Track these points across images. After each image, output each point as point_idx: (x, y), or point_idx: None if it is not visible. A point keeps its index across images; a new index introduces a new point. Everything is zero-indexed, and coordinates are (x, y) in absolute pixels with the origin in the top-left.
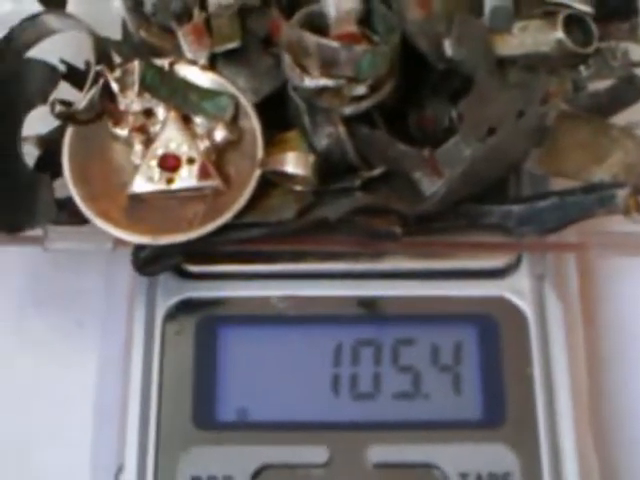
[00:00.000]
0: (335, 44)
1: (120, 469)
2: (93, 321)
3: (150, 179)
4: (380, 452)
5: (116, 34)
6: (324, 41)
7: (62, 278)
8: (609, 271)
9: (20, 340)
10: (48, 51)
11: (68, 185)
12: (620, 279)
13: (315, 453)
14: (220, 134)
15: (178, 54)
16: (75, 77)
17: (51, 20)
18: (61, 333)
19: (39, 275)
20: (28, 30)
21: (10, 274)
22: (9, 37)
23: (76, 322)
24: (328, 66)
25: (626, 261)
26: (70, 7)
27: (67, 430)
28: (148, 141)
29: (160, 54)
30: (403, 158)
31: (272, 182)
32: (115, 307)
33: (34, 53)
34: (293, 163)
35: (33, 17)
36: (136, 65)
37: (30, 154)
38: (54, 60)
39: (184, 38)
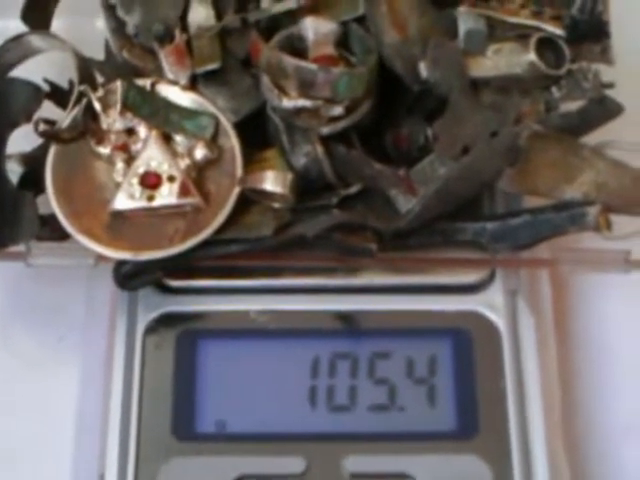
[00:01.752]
0: (313, 66)
1: (101, 479)
2: (74, 335)
3: (131, 196)
4: (356, 462)
5: (99, 53)
6: (302, 63)
7: (43, 293)
8: (581, 287)
9: (2, 353)
10: (31, 70)
11: (51, 202)
12: (592, 294)
13: (292, 463)
14: (200, 152)
15: (160, 74)
16: (58, 96)
17: (35, 40)
18: (43, 347)
19: (20, 290)
20: (12, 50)
21: None
22: None
23: (57, 336)
24: (306, 87)
25: (598, 277)
26: (53, 26)
27: (49, 441)
28: (130, 159)
29: (142, 74)
30: (379, 177)
31: (251, 199)
32: (96, 321)
33: (17, 72)
34: (272, 181)
35: (17, 37)
36: (118, 85)
37: (14, 171)
38: (37, 79)
39: (166, 59)
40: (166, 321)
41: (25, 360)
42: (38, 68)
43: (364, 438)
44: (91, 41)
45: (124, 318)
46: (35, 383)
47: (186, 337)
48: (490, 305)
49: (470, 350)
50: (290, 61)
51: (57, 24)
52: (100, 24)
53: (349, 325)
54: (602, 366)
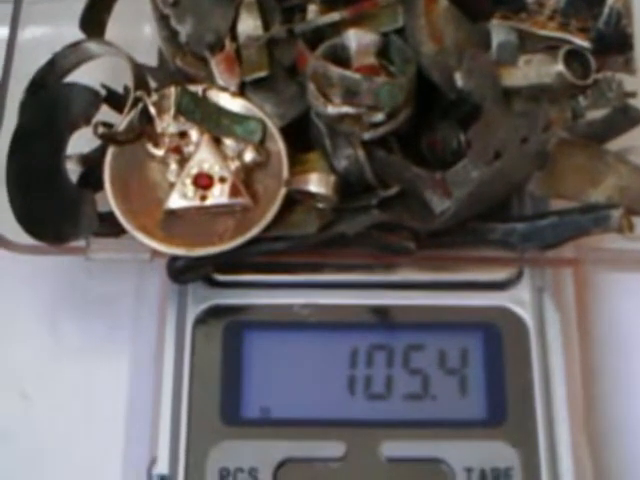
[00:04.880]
0: (357, 76)
1: (153, 462)
2: (124, 325)
3: (185, 196)
4: (392, 447)
5: (147, 57)
6: (347, 73)
7: (95, 285)
8: (604, 285)
9: (56, 343)
10: (82, 74)
11: (109, 201)
12: (614, 292)
13: (332, 448)
14: (249, 155)
15: (211, 81)
16: (115, 101)
17: (91, 47)
18: (94, 337)
19: (73, 283)
20: (70, 56)
21: (45, 281)
22: (52, 62)
23: (108, 326)
24: (350, 95)
25: (620, 276)
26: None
27: (101, 426)
28: (183, 161)
29: (194, 81)
30: (416, 179)
31: (296, 199)
32: (145, 313)
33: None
34: (316, 183)
35: (75, 44)
36: (172, 91)
37: (74, 171)
38: (87, 82)
39: (216, 67)
40: (214, 313)
41: (77, 349)
42: (88, 72)
43: (399, 425)
44: (140, 47)
45: (174, 310)
46: (87, 372)
47: (233, 328)
48: (518, 301)
49: (499, 343)
50: (335, 70)
51: (107, 29)
52: (148, 29)
53: (385, 318)
54: (622, 361)
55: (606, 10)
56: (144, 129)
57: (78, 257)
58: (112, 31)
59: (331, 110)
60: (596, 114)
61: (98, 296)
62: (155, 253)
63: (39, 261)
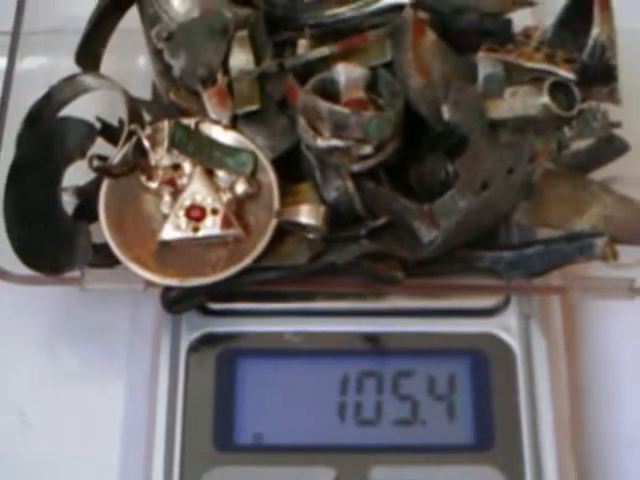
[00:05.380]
0: (346, 110)
1: None
2: (119, 353)
3: (178, 227)
4: (382, 472)
5: (141, 91)
6: (336, 107)
7: (90, 315)
8: (590, 312)
9: (53, 370)
10: (78, 107)
11: (104, 232)
12: (599, 319)
13: (323, 473)
14: (241, 187)
15: (203, 114)
16: (109, 133)
17: (87, 80)
18: (90, 364)
19: (69, 312)
20: (65, 89)
21: (43, 311)
22: (48, 96)
23: (104, 354)
24: (339, 129)
25: (605, 303)
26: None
27: (96, 451)
28: (176, 193)
29: (187, 114)
30: (404, 210)
31: (287, 230)
32: (140, 341)
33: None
34: (306, 214)
35: (71, 77)
36: (166, 124)
37: (69, 203)
38: (81, 115)
39: (209, 100)
40: (207, 341)
41: (74, 376)
42: (84, 105)
43: (389, 450)
44: (134, 80)
45: (168, 338)
46: (84, 397)
47: (226, 356)
48: (505, 328)
49: (487, 369)
50: (324, 105)
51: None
52: (142, 63)
53: (375, 346)
54: (608, 384)
55: (590, 42)
56: (138, 162)
57: (73, 287)
58: (107, 64)
59: (320, 143)
60: (581, 144)
61: (94, 325)
62: (149, 283)
63: (36, 291)
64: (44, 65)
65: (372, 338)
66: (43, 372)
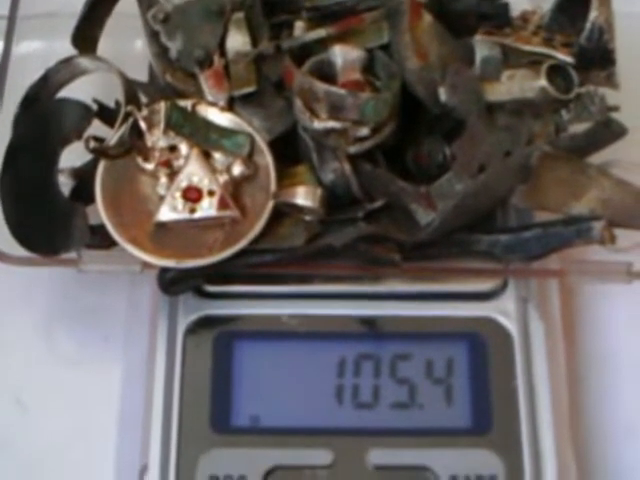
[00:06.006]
0: (342, 91)
1: (144, 469)
2: (116, 335)
3: (174, 209)
4: (380, 455)
5: (138, 73)
6: (332, 89)
7: (87, 296)
8: (587, 295)
9: (50, 352)
10: (75, 89)
11: (100, 214)
12: (597, 302)
13: (320, 456)
14: (237, 169)
15: (200, 96)
16: (106, 115)
17: (84, 62)
18: (88, 346)
19: (67, 294)
20: (62, 71)
21: (39, 293)
22: (45, 78)
23: (101, 336)
24: (335, 110)
25: (602, 286)
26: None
27: (92, 435)
28: (172, 174)
29: (183, 96)
30: (401, 192)
31: (284, 212)
32: (137, 323)
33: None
34: (303, 196)
35: (67, 59)
36: (162, 106)
37: (66, 184)
38: (79, 97)
39: (205, 82)
40: (204, 323)
41: (71, 359)
42: (80, 87)
43: (386, 433)
44: (131, 62)
45: (165, 320)
46: (80, 380)
47: (223, 338)
48: (503, 311)
49: (484, 353)
50: (321, 86)
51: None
52: (139, 46)
53: (373, 329)
54: (605, 369)
55: (588, 25)
56: (135, 143)
57: (71, 269)
58: (104, 47)
59: (317, 125)
60: (579, 128)
61: (91, 307)
62: (145, 265)
63: (33, 273)
64: (40, 49)
65: (370, 321)
66: (40, 354)
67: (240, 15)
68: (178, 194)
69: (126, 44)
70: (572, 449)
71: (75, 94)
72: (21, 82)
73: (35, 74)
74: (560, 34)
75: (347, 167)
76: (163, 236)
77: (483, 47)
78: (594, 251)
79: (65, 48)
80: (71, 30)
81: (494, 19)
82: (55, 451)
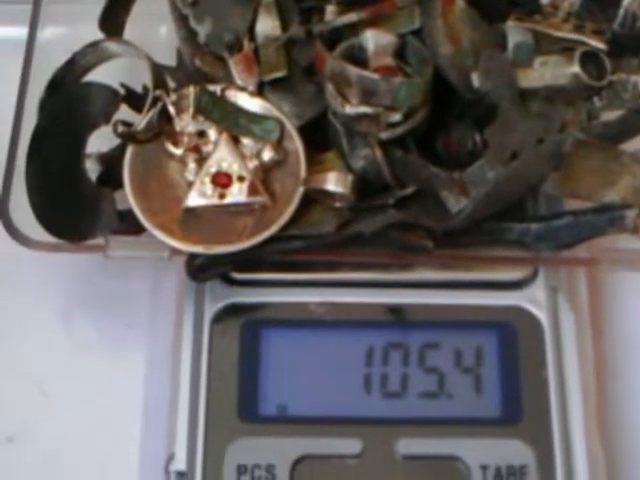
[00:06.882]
0: (375, 76)
1: (171, 458)
2: (139, 323)
3: (203, 194)
4: (409, 445)
5: (165, 58)
6: (365, 73)
7: (111, 283)
8: (617, 285)
9: (73, 341)
10: (101, 73)
11: (129, 199)
12: (627, 292)
13: (349, 445)
14: (267, 154)
15: (229, 81)
16: (134, 100)
17: (111, 47)
18: (111, 334)
19: (90, 281)
20: (89, 55)
21: (63, 279)
22: (71, 61)
23: (124, 324)
24: (367, 95)
25: (633, 276)
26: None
27: (118, 422)
28: (201, 160)
29: (212, 80)
30: (433, 179)
31: (313, 199)
32: (162, 310)
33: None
34: (333, 182)
35: (94, 43)
36: (191, 90)
37: (93, 170)
38: (108, 82)
39: (235, 67)
40: (231, 311)
41: (94, 347)
42: (107, 72)
43: (415, 422)
44: (158, 47)
45: (192, 308)
46: (104, 369)
47: (250, 326)
48: (533, 300)
49: (514, 342)
50: (353, 70)
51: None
52: (165, 30)
53: (401, 317)
54: (635, 360)
55: (621, 12)
56: (163, 128)
57: (95, 255)
58: (130, 31)
59: (349, 110)
60: (611, 115)
61: (115, 294)
62: (174, 251)
63: (56, 259)
64: (65, 34)
65: (398, 309)
66: (62, 342)
67: None
68: (207, 179)
69: (152, 30)
70: (600, 439)
71: (101, 79)
72: (46, 68)
73: (60, 60)
74: (590, 21)
75: (378, 153)
76: (192, 222)
77: (515, 33)
78: (625, 240)
79: (90, 34)
80: (96, 16)
81: (524, 5)
82: (78, 440)
